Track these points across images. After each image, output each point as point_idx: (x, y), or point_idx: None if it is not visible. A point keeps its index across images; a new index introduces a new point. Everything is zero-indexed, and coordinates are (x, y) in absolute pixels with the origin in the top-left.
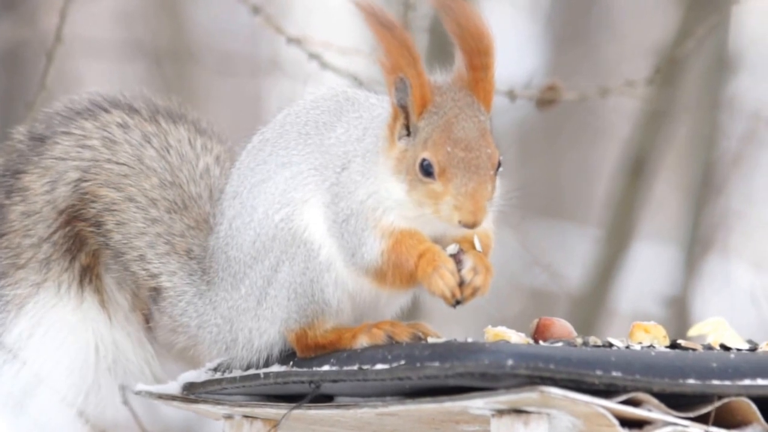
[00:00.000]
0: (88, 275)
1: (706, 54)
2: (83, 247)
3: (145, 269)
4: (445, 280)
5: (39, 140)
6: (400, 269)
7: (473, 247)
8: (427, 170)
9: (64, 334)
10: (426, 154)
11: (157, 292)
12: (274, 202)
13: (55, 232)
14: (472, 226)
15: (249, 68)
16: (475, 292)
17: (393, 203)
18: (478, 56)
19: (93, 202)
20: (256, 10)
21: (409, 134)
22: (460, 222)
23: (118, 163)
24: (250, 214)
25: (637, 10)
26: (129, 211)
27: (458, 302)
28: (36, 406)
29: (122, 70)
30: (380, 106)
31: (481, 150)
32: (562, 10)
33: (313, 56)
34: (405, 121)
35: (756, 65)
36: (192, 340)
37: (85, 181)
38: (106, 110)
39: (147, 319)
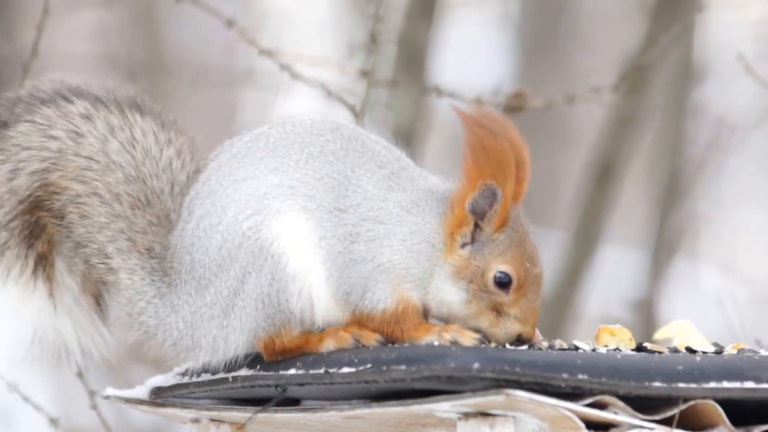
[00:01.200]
0: (43, 263)
1: (672, 62)
2: (42, 235)
3: (104, 263)
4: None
5: (1, 125)
6: (391, 328)
7: None
8: (502, 283)
9: (5, 321)
10: (505, 268)
11: (115, 287)
12: (247, 206)
13: (13, 220)
14: (529, 339)
15: (224, 80)
16: None
17: (438, 303)
18: (520, 168)
19: (57, 194)
20: (229, 23)
21: (472, 242)
22: (520, 335)
23: (83, 157)
24: (220, 216)
25: (605, 20)
26: (93, 205)
27: None
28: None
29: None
30: (406, 166)
31: (541, 266)
32: (531, 20)
33: (284, 67)
34: (472, 229)
35: (720, 72)
36: (147, 336)
37: (50, 172)
38: (69, 100)
39: (98, 301)
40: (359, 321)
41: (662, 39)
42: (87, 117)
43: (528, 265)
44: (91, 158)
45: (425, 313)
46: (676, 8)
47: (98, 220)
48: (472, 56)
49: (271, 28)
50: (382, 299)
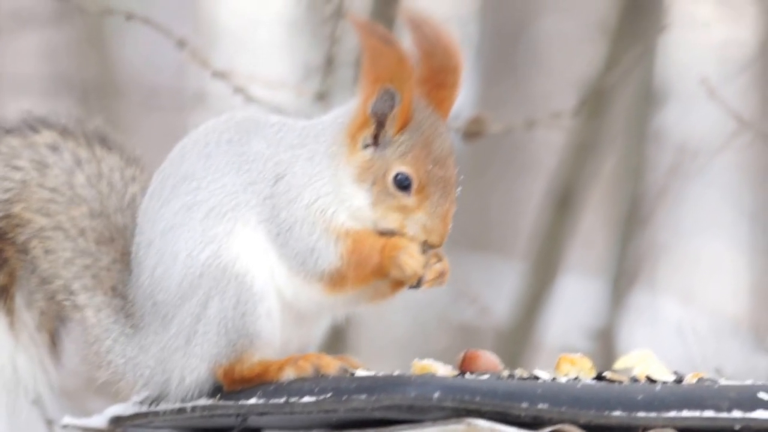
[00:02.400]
0: (3, 296)
1: (633, 86)
2: (3, 267)
3: (70, 300)
4: (415, 258)
5: None
6: (362, 267)
7: None
8: (402, 184)
9: None
10: (404, 168)
11: (81, 324)
12: (196, 243)
13: None
14: (436, 246)
15: (175, 103)
16: (438, 275)
17: (349, 208)
18: (448, 74)
19: (21, 226)
20: (181, 43)
21: (376, 144)
22: (426, 242)
23: (47, 188)
24: (173, 259)
25: (564, 44)
26: (58, 239)
27: (418, 284)
28: None
29: (48, 106)
30: (297, 119)
31: (453, 170)
32: (490, 43)
33: (237, 90)
34: (375, 131)
35: (681, 97)
36: (118, 377)
37: (13, 203)
38: (36, 130)
39: (53, 339)
40: (334, 283)
41: (624, 61)
42: (54, 148)
43: (431, 166)
44: (55, 190)
45: None
46: (636, 30)
47: (63, 255)
48: None
49: (223, 49)
50: (326, 249)
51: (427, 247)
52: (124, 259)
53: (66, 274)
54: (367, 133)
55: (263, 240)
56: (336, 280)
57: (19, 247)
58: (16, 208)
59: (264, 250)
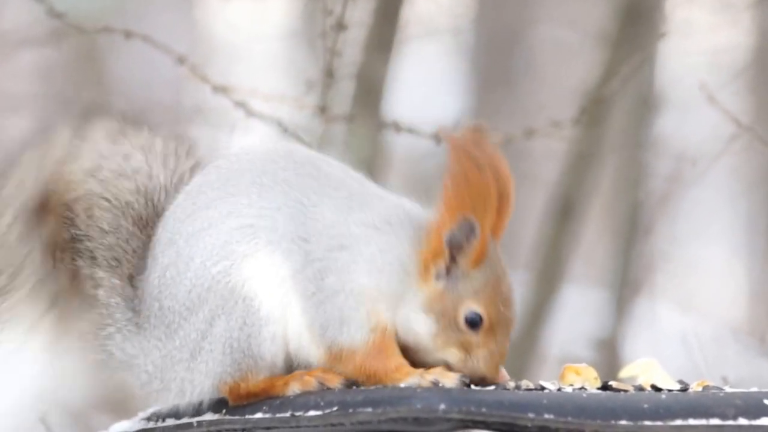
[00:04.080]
0: (74, 287)
1: (631, 94)
2: (62, 256)
3: (90, 269)
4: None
5: None
6: (370, 365)
7: None
8: (473, 322)
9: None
10: (476, 308)
11: (91, 301)
12: (212, 254)
13: (32, 230)
14: (492, 382)
15: (172, 119)
16: None
17: (407, 331)
18: (502, 201)
19: (73, 187)
20: (181, 59)
21: (447, 275)
22: (485, 377)
23: (99, 155)
24: (186, 264)
25: (561, 53)
26: (102, 207)
27: None
28: None
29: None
30: (365, 185)
31: (515, 310)
32: (486, 53)
33: (239, 104)
34: (448, 262)
35: (680, 105)
36: (113, 368)
37: (61, 166)
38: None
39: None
40: (338, 358)
41: (623, 69)
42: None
43: (501, 308)
44: (105, 157)
45: None
46: (634, 39)
47: (100, 226)
48: (427, 90)
49: (221, 64)
50: (359, 328)
51: (477, 379)
52: (149, 248)
53: (96, 242)
54: (441, 264)
55: (290, 293)
56: (343, 359)
57: (65, 203)
58: (65, 170)
59: (285, 292)
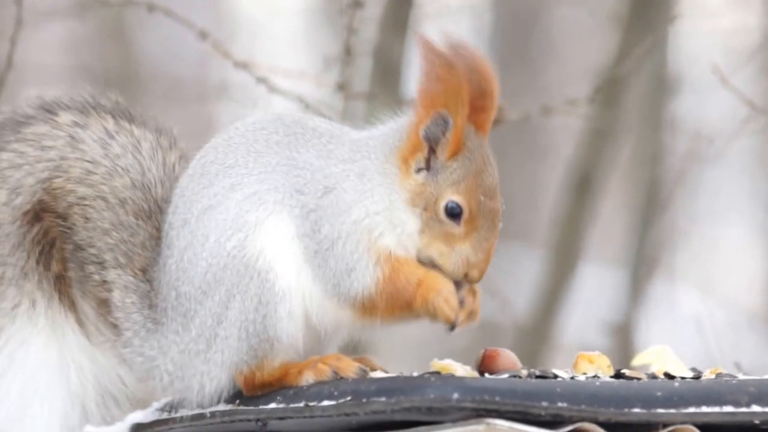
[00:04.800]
0: (61, 284)
1: (647, 73)
2: (53, 250)
3: (99, 274)
4: (450, 304)
5: None
6: (395, 298)
7: None
8: (452, 213)
9: (39, 372)
10: (456, 197)
11: (107, 306)
12: (226, 228)
13: (25, 237)
14: (474, 282)
15: (198, 94)
16: (471, 315)
17: (400, 234)
18: (486, 98)
19: (63, 196)
20: (203, 35)
21: (428, 169)
22: (466, 275)
23: (86, 160)
24: (202, 244)
25: (576, 33)
26: (98, 208)
27: (451, 327)
28: None
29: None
30: (346, 129)
31: (500, 202)
32: (503, 33)
33: (260, 80)
34: (427, 155)
35: (696, 83)
36: (134, 372)
37: (53, 179)
38: (54, 113)
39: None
40: (365, 309)
41: (636, 50)
42: (80, 125)
43: (482, 198)
44: (94, 161)
45: None
46: (649, 19)
47: (101, 225)
48: None
49: (242, 40)
50: (365, 269)
51: (464, 280)
52: (160, 237)
53: (100, 244)
54: (420, 157)
55: (299, 255)
56: (367, 307)
57: (60, 214)
58: (57, 182)
59: (295, 261)
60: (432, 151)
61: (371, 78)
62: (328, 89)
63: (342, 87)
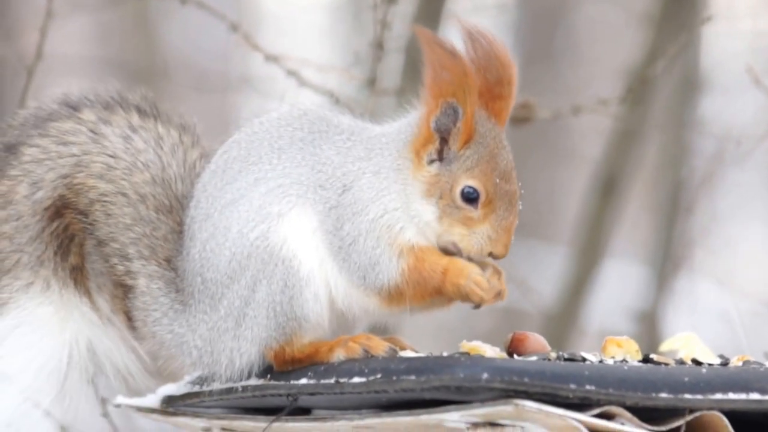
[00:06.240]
0: (78, 275)
1: (676, 74)
2: (71, 246)
3: (123, 265)
4: (481, 285)
5: (12, 148)
6: (422, 286)
7: None
8: (469, 197)
9: (39, 336)
10: (471, 182)
11: (132, 292)
12: (249, 219)
13: (44, 230)
14: (500, 257)
15: (222, 86)
16: (499, 294)
17: (418, 224)
18: (504, 86)
19: (84, 192)
20: (234, 27)
21: (441, 159)
22: (491, 253)
23: (108, 155)
24: (224, 235)
25: (603, 32)
26: (119, 204)
27: (479, 305)
28: (14, 413)
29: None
30: (366, 126)
31: (517, 184)
32: (530, 30)
33: (291, 73)
34: (439, 146)
35: (724, 85)
36: (164, 350)
37: (74, 175)
38: (78, 110)
39: (130, 318)
40: (392, 298)
41: (669, 50)
42: (104, 120)
43: (498, 180)
44: (116, 156)
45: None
46: (678, 21)
47: (122, 221)
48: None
49: (267, 33)
50: (389, 263)
51: (490, 258)
52: (182, 230)
53: (123, 239)
54: (432, 149)
55: (322, 248)
56: (394, 295)
57: (81, 210)
58: (78, 177)
59: (315, 248)
60: (444, 141)
61: (402, 73)
62: (356, 84)
63: (371, 82)
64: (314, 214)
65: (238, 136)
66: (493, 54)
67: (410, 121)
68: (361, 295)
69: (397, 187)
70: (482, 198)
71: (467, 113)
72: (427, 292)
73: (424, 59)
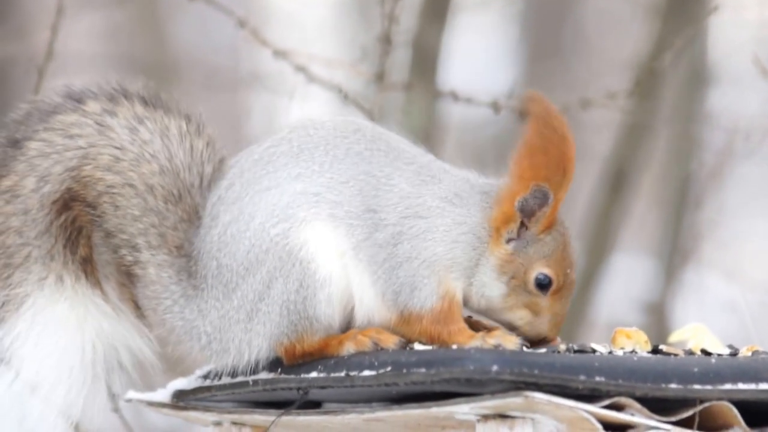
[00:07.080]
0: (88, 266)
1: (684, 66)
2: (80, 236)
3: (132, 256)
4: (486, 343)
5: (17, 143)
6: (437, 329)
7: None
8: (541, 284)
9: (59, 336)
10: (547, 270)
11: (141, 281)
12: (273, 214)
13: (52, 223)
14: (552, 342)
15: (231, 81)
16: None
17: (476, 290)
18: (564, 175)
19: (91, 185)
20: (242, 23)
21: (517, 239)
22: (547, 337)
23: (114, 147)
24: (247, 223)
25: (611, 24)
26: (127, 195)
27: None
28: (29, 413)
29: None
30: (431, 158)
31: (575, 275)
32: (537, 23)
33: (299, 69)
34: (519, 227)
35: (733, 79)
36: (174, 337)
37: (82, 167)
38: (82, 102)
39: (138, 306)
40: (407, 321)
41: (675, 43)
42: (108, 112)
43: (568, 271)
44: (122, 148)
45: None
46: (685, 12)
47: (131, 212)
48: (479, 60)
49: (276, 30)
50: (429, 295)
51: (539, 340)
52: (191, 219)
53: (132, 230)
54: (513, 228)
55: (347, 253)
56: (412, 322)
57: (89, 203)
58: (86, 170)
59: (344, 262)
60: (522, 223)
61: (410, 69)
62: (364, 80)
63: (380, 77)
64: (346, 237)
65: (289, 135)
66: (556, 135)
67: (492, 188)
68: (384, 310)
69: (473, 252)
70: (553, 287)
71: (556, 200)
72: (436, 336)
73: (527, 132)
